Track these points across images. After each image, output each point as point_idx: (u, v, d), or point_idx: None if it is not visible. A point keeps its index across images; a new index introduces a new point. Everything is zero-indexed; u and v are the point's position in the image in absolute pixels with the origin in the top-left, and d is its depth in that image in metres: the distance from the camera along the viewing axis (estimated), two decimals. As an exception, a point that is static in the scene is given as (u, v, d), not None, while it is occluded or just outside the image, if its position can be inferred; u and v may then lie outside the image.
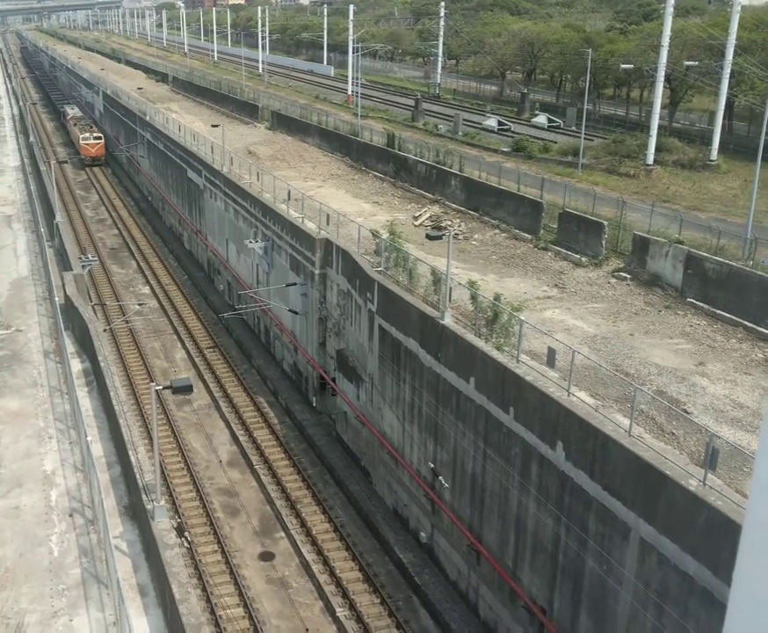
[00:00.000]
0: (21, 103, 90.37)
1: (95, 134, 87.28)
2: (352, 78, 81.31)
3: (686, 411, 21.40)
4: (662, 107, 53.98)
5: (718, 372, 24.23)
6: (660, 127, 51.04)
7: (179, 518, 28.80)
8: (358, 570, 27.57)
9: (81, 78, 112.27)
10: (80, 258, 34.63)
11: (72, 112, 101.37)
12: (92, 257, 36.34)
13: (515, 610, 23.21)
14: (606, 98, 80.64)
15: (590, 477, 19.64)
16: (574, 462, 20.17)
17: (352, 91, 77.32)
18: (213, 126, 65.57)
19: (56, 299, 29.51)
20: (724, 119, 54.07)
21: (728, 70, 49.68)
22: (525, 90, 78.52)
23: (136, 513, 19.66)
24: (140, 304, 44.68)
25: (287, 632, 24.79)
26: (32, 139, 65.04)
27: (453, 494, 26.01)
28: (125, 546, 18.72)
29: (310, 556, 27.84)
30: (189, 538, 27.73)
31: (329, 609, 25.73)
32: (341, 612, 25.44)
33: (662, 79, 51.14)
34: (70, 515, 19.48)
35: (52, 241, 38.92)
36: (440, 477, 26.37)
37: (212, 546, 28.38)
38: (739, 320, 27.13)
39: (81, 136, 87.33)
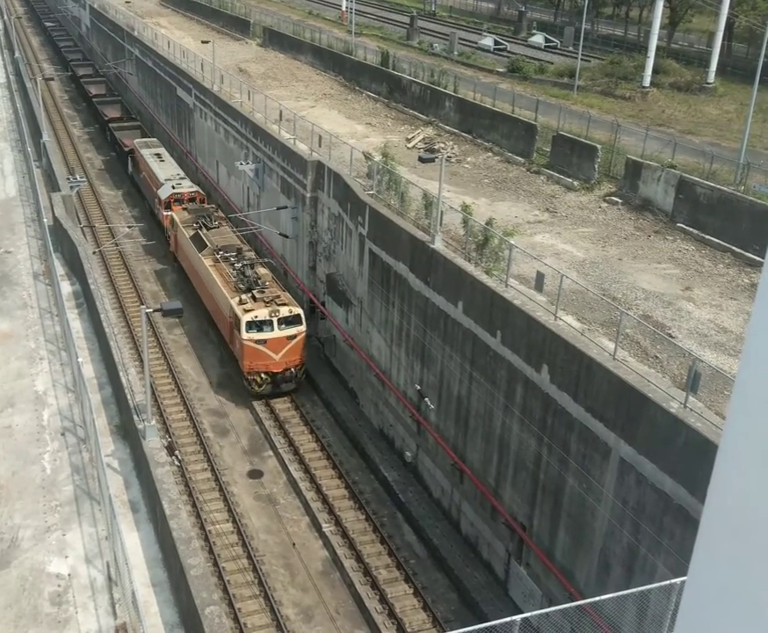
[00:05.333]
0: (5, 17, 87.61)
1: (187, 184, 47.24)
2: (346, -6, 79.09)
3: (671, 335, 21.65)
4: (662, 27, 52.82)
5: (704, 297, 24.42)
6: (658, 48, 50.02)
7: (170, 437, 29.28)
8: (344, 487, 28.26)
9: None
10: (68, 179, 34.22)
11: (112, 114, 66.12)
12: (80, 177, 35.89)
13: (496, 527, 23.92)
14: (605, 18, 78.84)
15: (573, 399, 20.01)
16: (558, 385, 20.51)
17: (346, 8, 75.32)
18: (203, 42, 64.07)
19: (45, 220, 29.32)
20: (723, 40, 53.00)
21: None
22: (523, 8, 76.64)
23: (127, 433, 19.99)
24: (129, 227, 44.40)
25: (275, 546, 25.54)
26: (17, 55, 63.48)
27: (439, 415, 26.47)
28: (116, 464, 19.09)
29: (297, 474, 28.50)
30: (179, 457, 28.26)
31: (316, 525, 26.48)
32: (327, 527, 26.18)
33: (662, -2, 49.87)
34: (62, 434, 19.79)
35: (39, 161, 38.41)
36: (426, 399, 26.79)
37: (201, 464, 28.99)
38: (727, 245, 27.20)
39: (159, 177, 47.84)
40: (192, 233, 40.16)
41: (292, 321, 32.60)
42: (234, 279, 34.78)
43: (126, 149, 57.24)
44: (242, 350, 32.33)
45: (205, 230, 39.88)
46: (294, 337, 32.55)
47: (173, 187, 45.88)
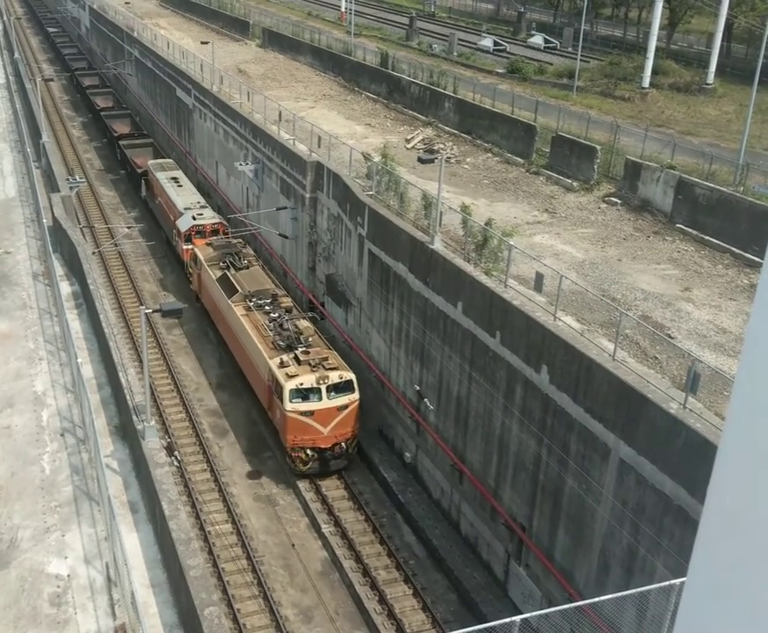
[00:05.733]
0: (5, 18, 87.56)
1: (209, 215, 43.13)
2: (345, -5, 79.14)
3: (670, 336, 21.66)
4: (661, 28, 52.83)
5: (703, 297, 24.44)
6: (657, 48, 50.05)
7: (169, 438, 29.28)
8: (344, 488, 28.25)
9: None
10: (67, 180, 34.23)
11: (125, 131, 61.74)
12: (80, 178, 35.89)
13: (495, 527, 23.92)
14: (604, 18, 78.88)
15: (573, 400, 20.01)
16: (558, 386, 20.51)
17: (346, 8, 75.34)
18: (202, 43, 64.01)
19: (44, 221, 29.32)
20: (722, 41, 53.05)
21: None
22: (522, 9, 76.66)
23: (127, 433, 19.99)
24: (128, 227, 44.36)
25: (274, 547, 25.53)
26: (16, 55, 63.48)
27: (438, 416, 26.47)
28: (116, 464, 19.10)
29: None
30: (179, 457, 28.25)
31: (315, 525, 26.48)
32: (326, 528, 26.18)
33: (662, -2, 49.90)
34: (62, 435, 19.79)
35: (39, 161, 38.42)
36: (426, 400, 26.79)
37: (201, 465, 28.99)
38: (727, 246, 27.21)
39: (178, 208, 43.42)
40: (218, 274, 35.52)
41: (343, 388, 28.02)
42: (270, 332, 30.23)
43: (139, 171, 52.82)
44: (284, 422, 27.73)
45: (233, 271, 35.35)
46: (346, 407, 27.94)
47: (194, 218, 41.61)
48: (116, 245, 42.92)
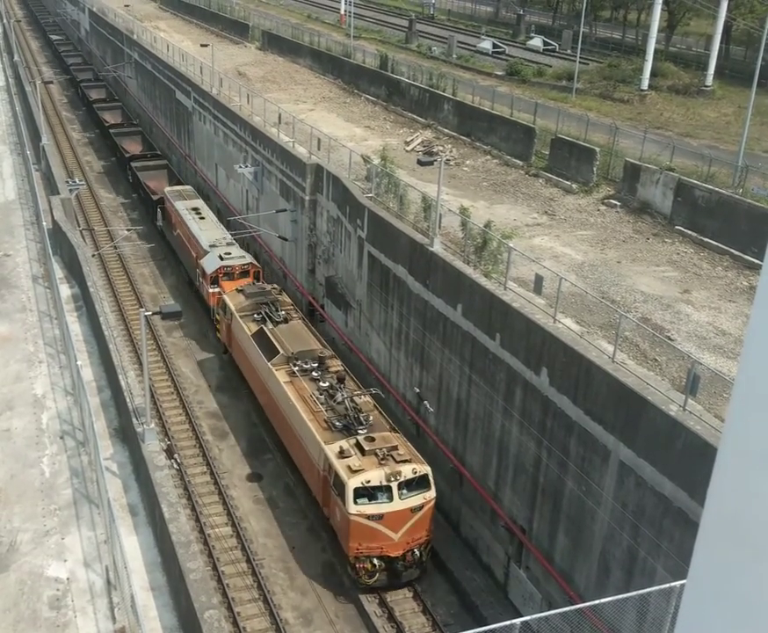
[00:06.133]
0: (5, 21, 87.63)
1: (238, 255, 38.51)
2: (345, -3, 79.22)
3: (670, 338, 21.67)
4: (660, 31, 52.92)
5: (702, 299, 24.44)
6: (656, 51, 50.13)
7: (169, 440, 29.27)
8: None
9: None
10: (67, 182, 34.26)
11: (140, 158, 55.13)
12: (79, 180, 35.90)
13: (495, 530, 23.90)
14: (603, 21, 78.97)
15: (572, 402, 20.01)
16: (558, 388, 20.51)
17: (345, 11, 75.40)
18: (202, 45, 64.02)
19: (44, 223, 29.33)
20: (721, 43, 53.10)
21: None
22: (521, 12, 76.74)
23: (126, 436, 19.99)
24: (128, 230, 44.33)
25: (274, 549, 25.50)
26: (16, 58, 63.53)
27: (438, 418, 26.46)
28: (115, 467, 19.09)
29: (297, 477, 28.38)
30: (178, 460, 28.24)
31: (315, 528, 26.42)
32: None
33: (660, 1, 49.96)
34: (61, 438, 19.78)
35: (38, 164, 38.44)
36: (425, 402, 26.78)
37: (201, 467, 28.95)
38: (726, 248, 27.22)
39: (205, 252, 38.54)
40: (254, 329, 30.79)
41: (417, 484, 23.21)
42: (321, 405, 25.56)
43: (155, 197, 48.27)
44: (346, 527, 22.93)
45: (270, 325, 30.56)
46: (421, 507, 23.18)
47: (221, 258, 37.09)
48: (116, 248, 42.94)
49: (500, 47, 63.68)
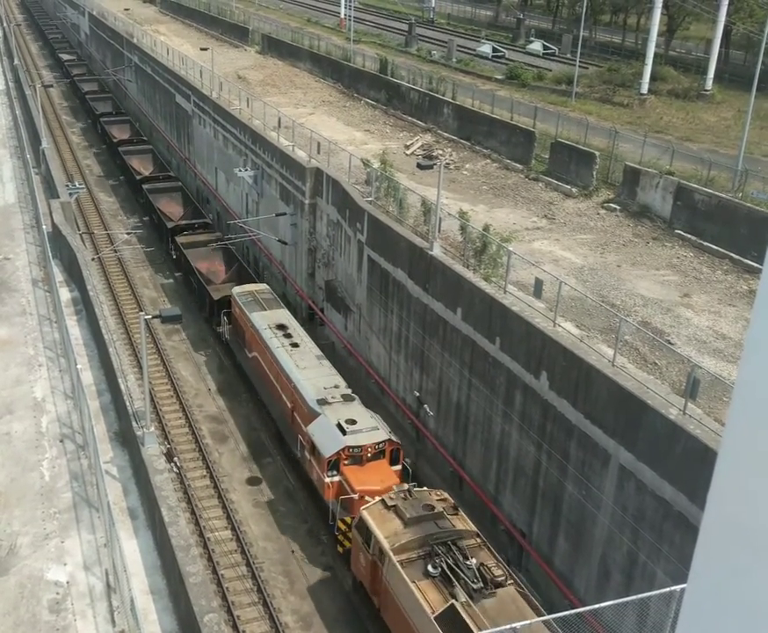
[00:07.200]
0: (5, 24, 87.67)
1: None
2: (345, 1, 79.33)
3: (669, 342, 21.68)
4: (659, 35, 52.98)
5: (702, 303, 24.45)
6: (656, 55, 50.18)
7: (168, 444, 29.23)
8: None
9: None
10: (67, 186, 34.26)
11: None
12: (79, 184, 35.91)
13: (495, 533, 23.87)
14: (603, 25, 79.07)
15: (572, 406, 20.02)
16: (557, 391, 20.52)
17: (345, 15, 75.50)
18: (202, 49, 64.16)
19: (44, 227, 29.33)
20: (721, 47, 53.19)
21: (727, -4, 48.64)
22: (521, 16, 76.84)
23: (126, 440, 19.97)
24: (128, 233, 44.31)
25: (274, 553, 25.46)
26: (16, 62, 63.59)
27: (438, 422, 26.46)
28: (115, 471, 19.07)
29: (297, 481, 28.41)
30: (178, 463, 28.21)
31: (315, 532, 26.39)
32: (326, 535, 26.06)
33: (660, 5, 50.04)
34: (61, 441, 19.77)
35: (38, 167, 38.45)
36: (425, 406, 26.78)
37: (200, 471, 28.91)
38: (726, 252, 27.24)
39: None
40: (435, 599, 18.15)
41: None
42: None
43: (216, 297, 36.16)
44: None
45: (464, 597, 17.94)
46: None
47: (343, 430, 24.68)
48: (115, 251, 42.94)
49: (500, 51, 63.76)
